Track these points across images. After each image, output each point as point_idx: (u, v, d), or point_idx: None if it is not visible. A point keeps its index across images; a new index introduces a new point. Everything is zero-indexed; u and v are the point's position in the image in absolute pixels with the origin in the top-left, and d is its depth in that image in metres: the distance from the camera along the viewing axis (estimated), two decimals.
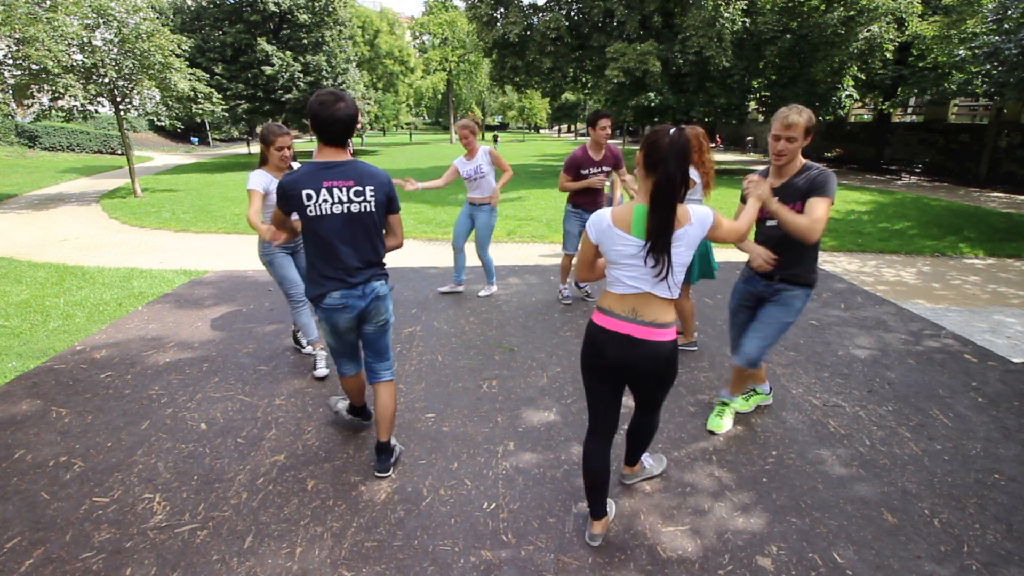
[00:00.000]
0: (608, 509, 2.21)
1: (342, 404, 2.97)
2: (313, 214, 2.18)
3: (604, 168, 4.34)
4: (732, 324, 3.00)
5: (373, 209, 2.25)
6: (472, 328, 4.33)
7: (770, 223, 2.57)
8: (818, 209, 2.31)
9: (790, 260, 2.57)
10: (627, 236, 1.81)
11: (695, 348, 3.93)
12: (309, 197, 2.15)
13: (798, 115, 2.36)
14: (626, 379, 1.99)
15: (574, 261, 4.32)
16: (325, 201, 2.16)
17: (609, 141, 4.34)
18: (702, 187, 3.44)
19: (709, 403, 3.20)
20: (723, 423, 2.91)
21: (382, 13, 44.30)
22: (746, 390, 3.18)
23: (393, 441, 2.66)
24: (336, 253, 2.24)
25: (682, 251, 1.82)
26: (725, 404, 2.97)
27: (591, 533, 2.16)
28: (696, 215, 1.82)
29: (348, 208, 2.20)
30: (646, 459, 2.52)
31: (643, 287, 1.84)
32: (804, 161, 2.50)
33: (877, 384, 3.44)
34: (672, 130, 1.77)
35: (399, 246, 2.51)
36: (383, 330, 2.49)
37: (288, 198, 2.19)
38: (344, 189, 2.18)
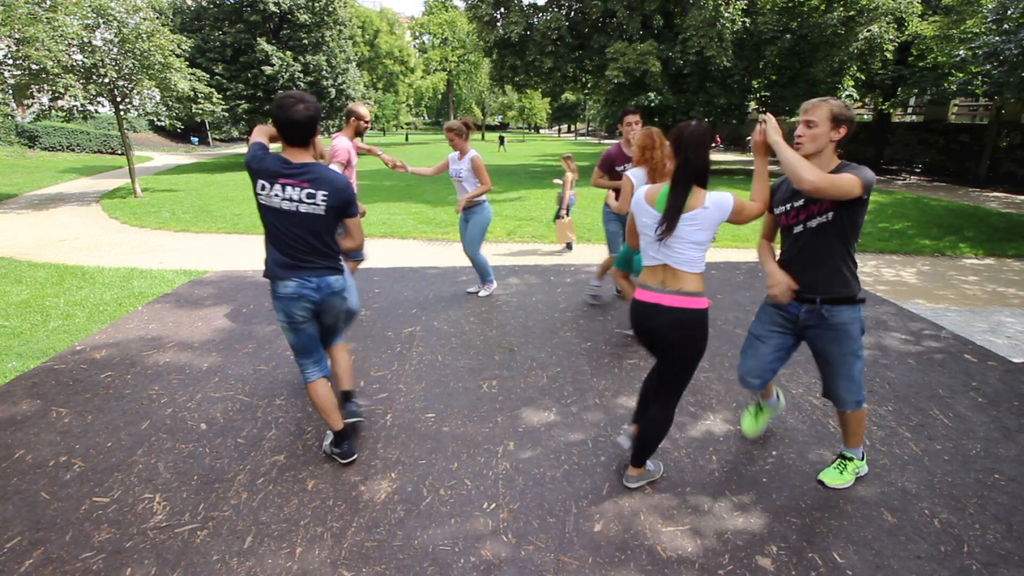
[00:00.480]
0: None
1: (327, 441, 2.72)
2: (263, 202, 2.30)
3: None
4: (753, 348, 2.48)
5: (322, 213, 2.32)
6: (472, 328, 4.33)
7: (796, 229, 2.22)
8: (842, 176, 2.00)
9: (828, 276, 2.20)
10: (651, 210, 2.09)
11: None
12: (263, 187, 2.27)
13: (821, 101, 2.09)
14: (656, 346, 2.20)
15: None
16: (276, 195, 2.26)
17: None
18: (647, 182, 3.48)
19: (709, 404, 3.20)
20: (844, 478, 2.48)
21: (382, 13, 44.34)
22: (770, 398, 2.81)
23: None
24: (285, 243, 2.34)
25: (694, 230, 2.02)
26: (846, 459, 2.50)
27: (628, 434, 2.57)
28: (713, 199, 2.01)
29: (297, 208, 2.28)
30: (649, 462, 2.51)
31: (663, 259, 2.08)
32: (840, 161, 2.14)
33: (877, 384, 3.44)
34: (694, 122, 2.05)
35: (356, 248, 2.57)
36: (341, 320, 2.69)
37: (249, 172, 2.32)
38: (297, 189, 2.26)
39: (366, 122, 4.19)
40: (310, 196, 2.27)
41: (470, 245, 4.83)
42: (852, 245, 2.19)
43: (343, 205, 2.36)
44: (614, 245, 4.42)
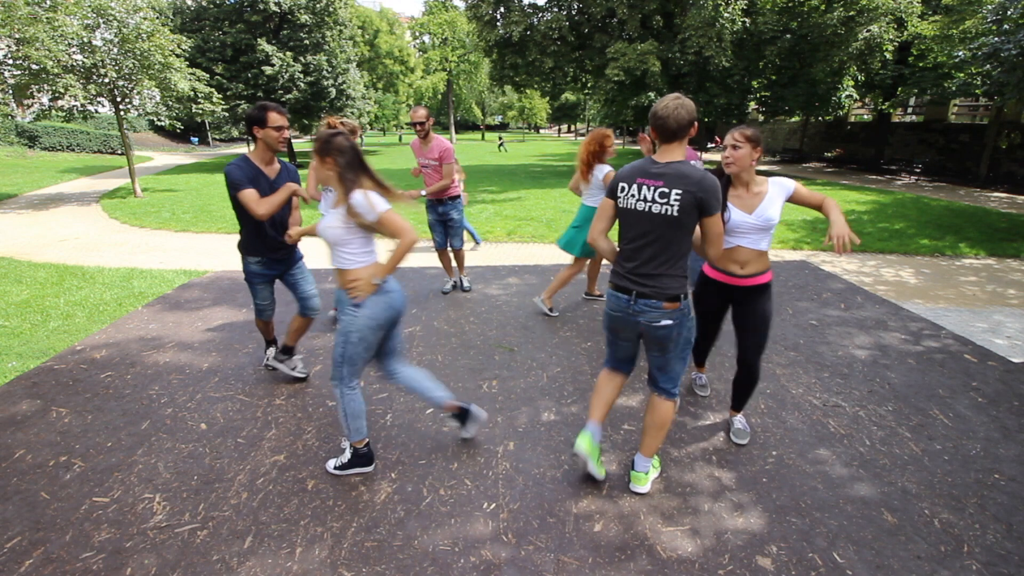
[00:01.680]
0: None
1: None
2: None
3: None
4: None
5: None
6: (472, 328, 4.33)
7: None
8: None
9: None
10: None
11: (556, 314, 4.54)
12: None
13: None
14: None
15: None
16: None
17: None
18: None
19: (709, 403, 3.20)
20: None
21: (382, 13, 44.28)
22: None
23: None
24: None
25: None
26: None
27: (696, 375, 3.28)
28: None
29: None
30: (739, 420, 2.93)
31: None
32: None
33: (877, 384, 3.44)
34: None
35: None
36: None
37: None
38: None
39: (410, 124, 4.28)
40: None
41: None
42: None
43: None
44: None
